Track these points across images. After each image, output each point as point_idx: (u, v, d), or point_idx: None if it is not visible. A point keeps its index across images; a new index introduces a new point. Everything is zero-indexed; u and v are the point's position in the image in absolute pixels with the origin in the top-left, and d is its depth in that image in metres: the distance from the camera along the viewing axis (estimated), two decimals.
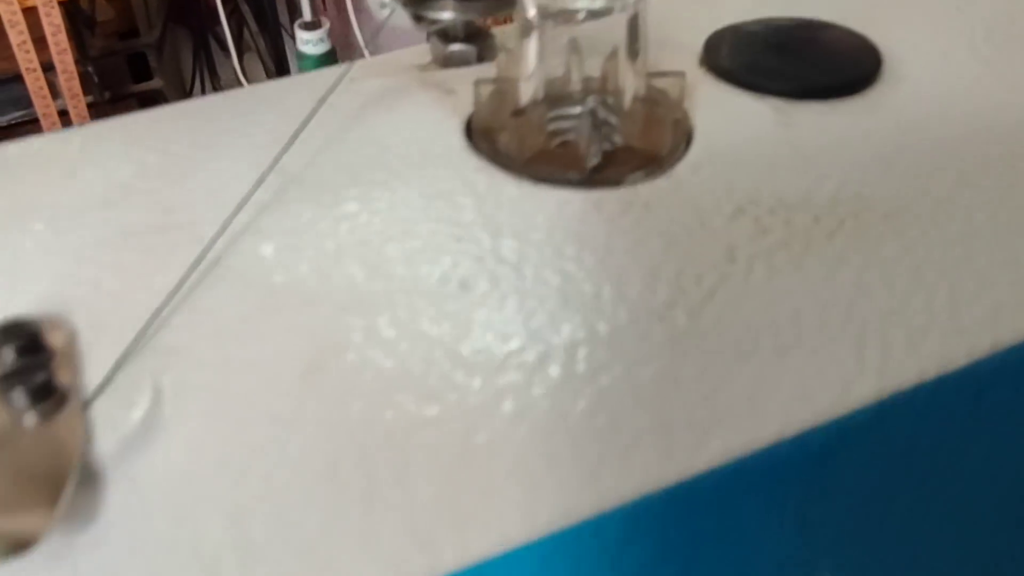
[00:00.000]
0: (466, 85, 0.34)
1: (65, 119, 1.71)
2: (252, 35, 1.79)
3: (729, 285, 0.27)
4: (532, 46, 0.30)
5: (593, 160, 0.29)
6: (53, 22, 1.62)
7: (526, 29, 0.29)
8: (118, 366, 0.23)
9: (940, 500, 0.27)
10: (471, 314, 0.25)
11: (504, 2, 0.34)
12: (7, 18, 1.59)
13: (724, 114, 0.32)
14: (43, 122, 1.69)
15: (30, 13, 1.58)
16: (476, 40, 0.36)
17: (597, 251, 0.27)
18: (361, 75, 0.35)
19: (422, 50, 0.37)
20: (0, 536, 0.19)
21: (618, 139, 0.30)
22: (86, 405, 0.22)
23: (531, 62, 0.30)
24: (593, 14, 0.28)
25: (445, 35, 0.36)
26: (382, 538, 0.21)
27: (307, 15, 0.80)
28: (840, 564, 0.25)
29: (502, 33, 0.36)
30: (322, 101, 0.31)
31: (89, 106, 1.77)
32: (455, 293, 0.26)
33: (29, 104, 1.74)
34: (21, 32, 1.57)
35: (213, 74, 2.13)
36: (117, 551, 0.20)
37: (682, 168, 0.30)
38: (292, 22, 1.65)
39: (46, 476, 0.21)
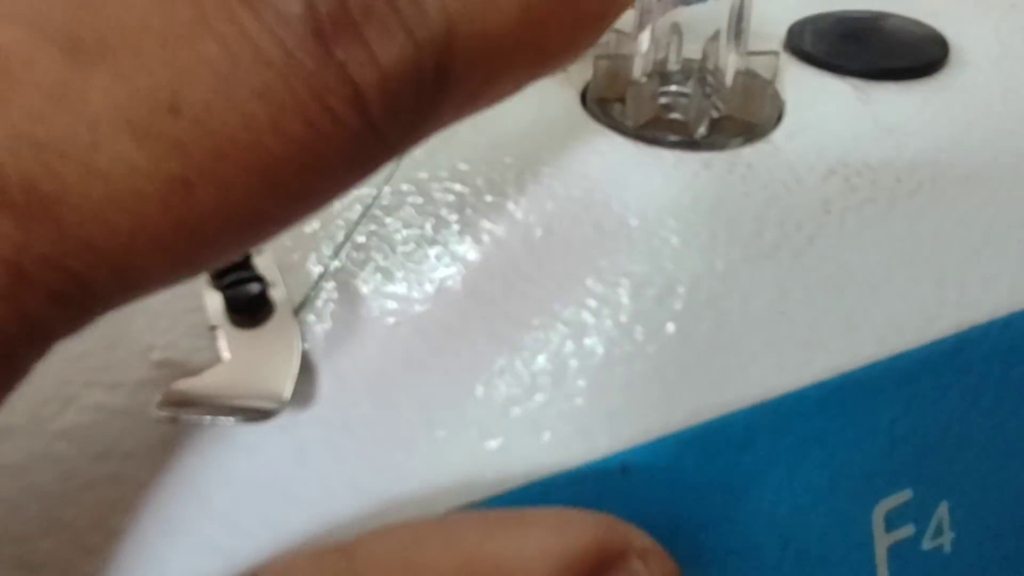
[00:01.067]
0: (576, 63, 0.38)
1: None
2: None
3: (826, 232, 0.31)
4: (647, 25, 0.34)
5: (700, 128, 0.33)
6: None
7: (644, 10, 0.34)
8: (320, 278, 0.27)
9: (1012, 427, 0.30)
10: (605, 252, 0.29)
11: None
12: None
13: (810, 91, 0.36)
14: None
15: None
16: None
17: (709, 201, 0.31)
18: None
19: None
20: (243, 409, 0.23)
21: (719, 110, 0.34)
22: (296, 311, 0.26)
23: (645, 41, 0.34)
24: None
25: None
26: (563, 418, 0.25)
27: None
28: (921, 478, 0.29)
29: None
30: None
31: None
32: (589, 234, 0.30)
33: None
34: None
35: None
36: (332, 428, 0.24)
37: (778, 135, 0.34)
38: None
39: (272, 366, 0.25)
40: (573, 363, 0.26)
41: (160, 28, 0.14)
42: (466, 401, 0.25)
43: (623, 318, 0.28)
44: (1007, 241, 0.31)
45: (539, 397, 0.26)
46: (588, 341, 0.27)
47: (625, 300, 0.28)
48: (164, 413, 0.22)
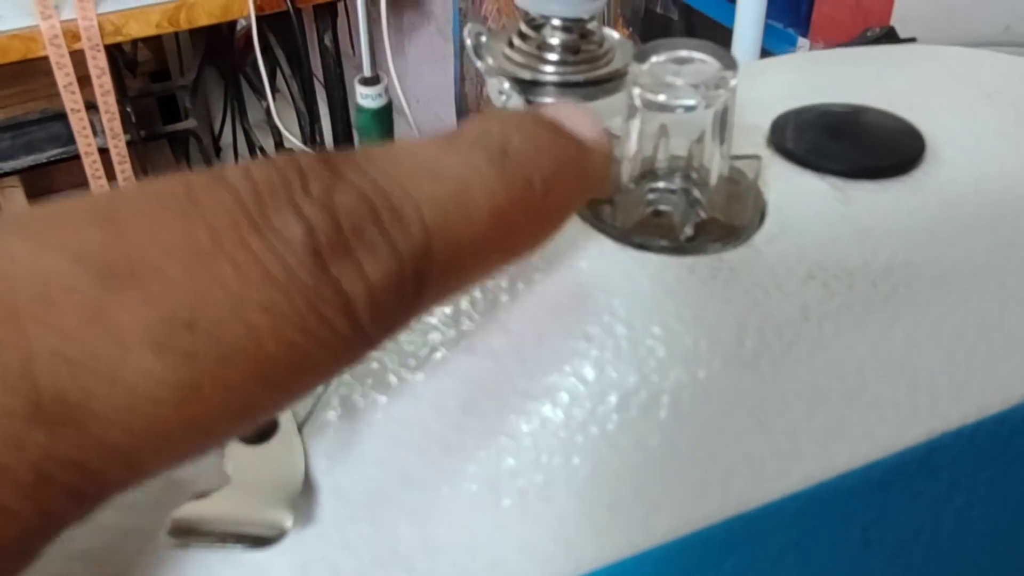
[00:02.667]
0: None
1: (105, 156, 1.78)
2: (285, 79, 1.86)
3: (804, 339, 0.32)
4: (635, 133, 0.35)
5: (686, 232, 0.35)
6: (99, 65, 1.68)
7: (631, 116, 0.35)
8: (321, 395, 0.29)
9: (982, 527, 0.32)
10: (594, 364, 0.31)
11: (602, 90, 0.40)
12: (55, 60, 1.65)
13: (791, 191, 0.38)
14: (84, 160, 1.75)
15: (75, 53, 1.64)
16: None
17: (693, 308, 0.33)
18: None
19: None
20: (247, 536, 0.24)
21: (704, 213, 0.36)
22: (300, 428, 0.28)
23: (633, 145, 0.36)
24: (688, 108, 0.34)
25: None
26: (533, 543, 0.26)
27: (367, 71, 0.86)
28: None
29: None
30: None
31: (126, 145, 1.83)
32: (581, 343, 0.31)
33: (69, 141, 1.81)
34: (68, 74, 1.64)
35: (243, 115, 2.20)
36: (333, 547, 0.26)
37: (759, 238, 0.36)
38: (336, 57, 1.71)
39: (275, 487, 0.26)
40: (561, 477, 0.28)
41: (182, 255, 0.16)
42: (461, 518, 0.27)
43: (610, 428, 0.29)
44: (976, 345, 0.32)
45: (530, 511, 0.27)
46: (576, 458, 0.28)
47: (613, 413, 0.29)
48: (174, 540, 0.24)
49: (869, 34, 0.65)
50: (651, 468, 0.28)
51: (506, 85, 0.39)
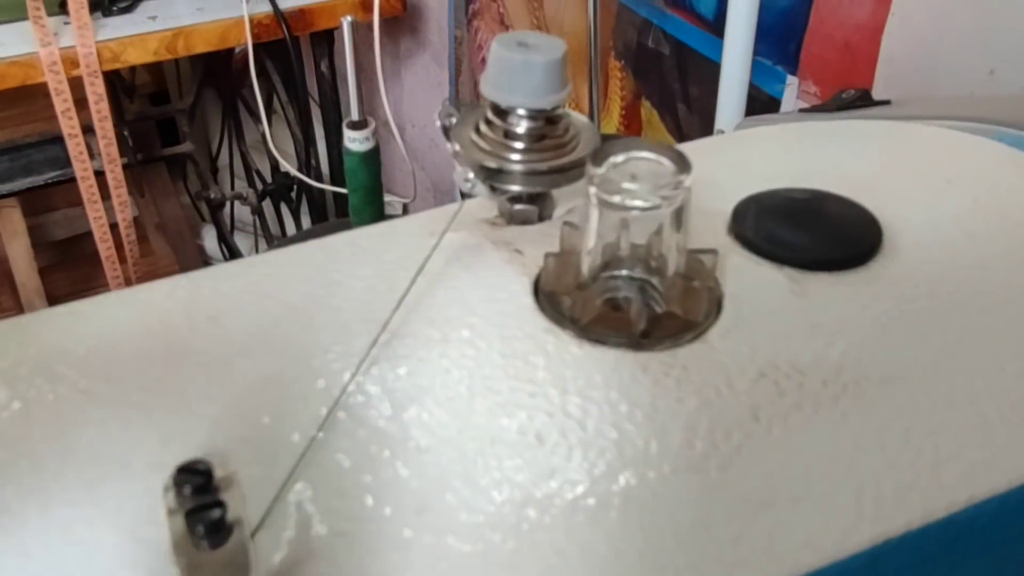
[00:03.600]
0: (530, 245, 0.41)
1: (101, 179, 1.79)
2: (282, 104, 1.87)
3: (753, 441, 0.33)
4: (593, 227, 0.36)
5: (641, 327, 0.36)
6: (96, 91, 1.69)
7: (589, 213, 0.36)
8: (274, 503, 0.29)
9: None
10: (546, 463, 0.31)
11: (564, 177, 0.41)
12: (53, 86, 1.67)
13: (748, 283, 0.39)
14: (81, 184, 1.76)
15: (73, 78, 1.65)
16: (537, 200, 0.43)
17: (644, 408, 0.33)
18: (437, 228, 0.41)
19: (490, 203, 0.43)
20: None
21: (661, 306, 0.37)
22: (252, 534, 0.28)
23: (591, 239, 0.36)
24: (644, 209, 0.35)
25: (512, 196, 0.42)
26: None
27: (355, 114, 0.87)
28: None
29: (564, 194, 0.43)
30: (424, 263, 0.37)
31: (123, 167, 1.84)
32: (532, 444, 0.32)
33: (67, 164, 1.82)
34: (65, 100, 1.65)
35: (240, 139, 2.21)
36: None
37: (713, 333, 0.36)
38: (332, 96, 1.72)
39: None
40: None
41: None
42: None
43: (560, 534, 0.30)
44: (923, 447, 0.33)
45: None
46: (524, 567, 0.29)
47: (560, 519, 0.30)
48: None
49: (844, 96, 0.66)
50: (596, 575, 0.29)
51: (470, 174, 0.40)
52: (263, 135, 1.82)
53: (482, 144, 0.41)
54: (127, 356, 0.36)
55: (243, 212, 2.07)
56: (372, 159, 0.87)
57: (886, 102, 0.65)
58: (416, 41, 1.88)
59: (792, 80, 1.27)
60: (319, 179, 1.80)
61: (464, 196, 0.42)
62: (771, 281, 0.39)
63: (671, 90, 1.38)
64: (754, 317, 0.37)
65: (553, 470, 0.31)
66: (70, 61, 1.59)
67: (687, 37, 1.40)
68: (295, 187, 1.90)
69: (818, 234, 0.41)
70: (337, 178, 1.76)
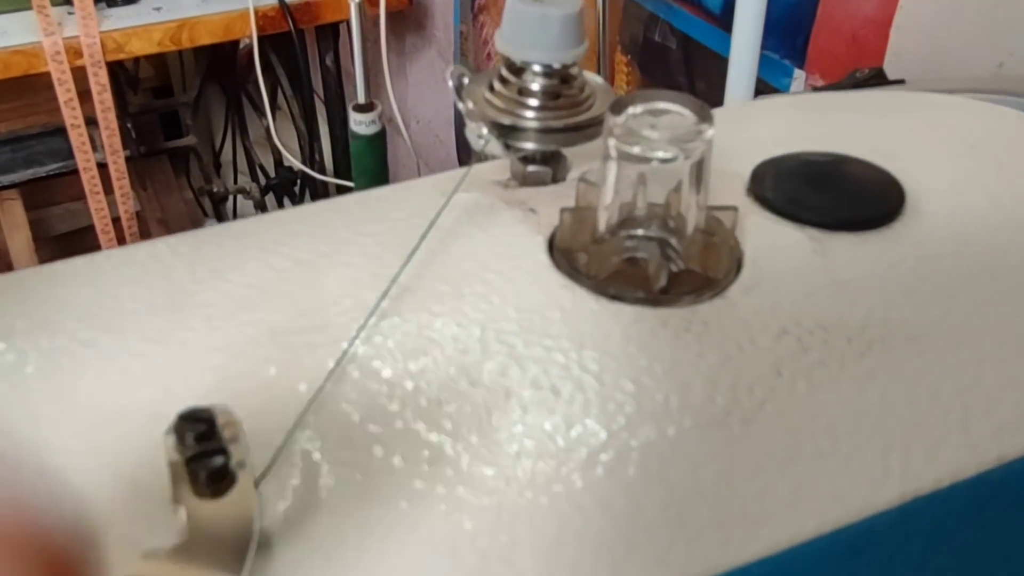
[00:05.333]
0: (544, 205, 0.40)
1: (104, 171, 1.78)
2: (286, 98, 1.86)
3: (776, 397, 0.32)
4: (611, 182, 0.35)
5: (661, 283, 0.35)
6: (100, 81, 1.68)
7: (607, 166, 0.35)
8: (279, 452, 0.28)
9: None
10: (563, 419, 0.30)
11: (580, 135, 0.40)
12: (56, 76, 1.66)
13: (768, 242, 0.38)
14: (83, 176, 1.75)
15: (76, 69, 1.64)
16: (551, 162, 0.42)
17: (664, 363, 0.32)
18: (448, 188, 0.40)
19: (501, 165, 0.42)
20: None
21: (680, 263, 0.35)
22: (256, 483, 0.27)
23: (609, 194, 0.35)
24: (664, 160, 0.34)
25: (524, 157, 0.41)
26: None
27: (361, 98, 0.86)
28: None
29: (578, 157, 0.42)
30: (436, 217, 0.36)
31: (125, 160, 1.83)
32: (548, 397, 0.31)
33: (69, 156, 1.81)
34: (68, 90, 1.64)
35: (244, 133, 2.20)
36: None
37: (734, 290, 0.35)
38: (336, 79, 1.71)
39: (229, 544, 0.26)
40: (523, 538, 0.27)
41: None
42: None
43: (576, 487, 0.29)
44: (951, 405, 0.32)
45: (490, 574, 0.26)
46: (540, 519, 0.28)
47: (579, 472, 0.29)
48: None
49: (858, 75, 0.65)
50: (616, 531, 0.28)
51: (484, 130, 0.39)
52: (267, 129, 1.81)
53: (496, 101, 0.40)
54: (129, 308, 0.34)
55: (246, 207, 2.06)
56: (378, 143, 0.85)
57: (901, 81, 0.64)
58: (421, 36, 1.87)
59: (799, 74, 1.26)
60: (323, 172, 1.79)
61: (475, 159, 0.41)
62: (792, 241, 0.38)
63: (678, 84, 1.37)
64: (776, 275, 0.36)
65: (570, 423, 0.30)
66: (73, 51, 1.58)
67: (694, 31, 1.39)
68: (298, 181, 1.89)
69: (839, 195, 0.40)
70: (341, 171, 1.75)
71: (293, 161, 1.75)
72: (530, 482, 0.29)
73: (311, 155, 1.81)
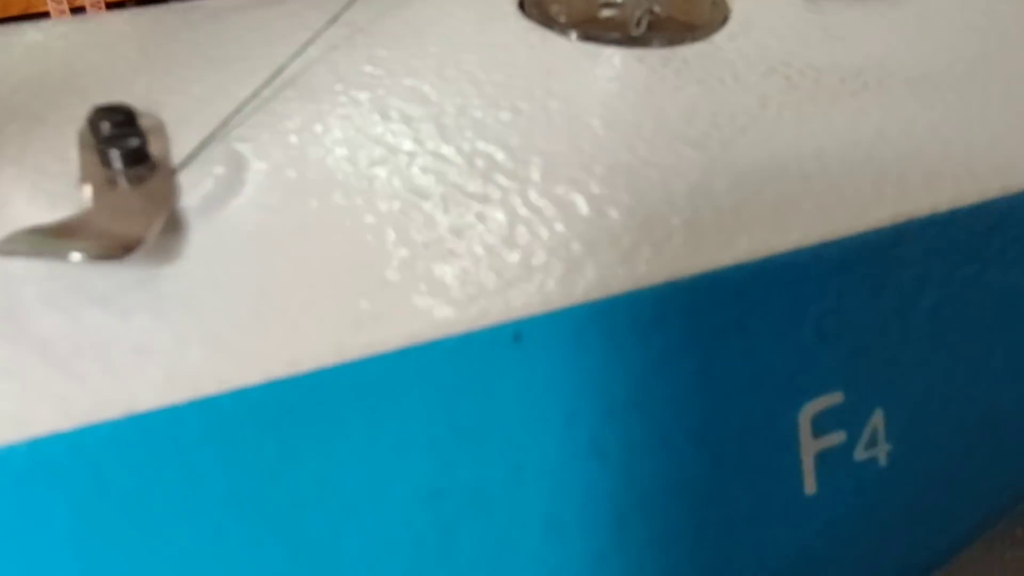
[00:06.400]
0: None
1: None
2: None
3: (760, 125, 0.29)
4: None
5: (640, 26, 0.32)
6: None
7: None
8: (204, 144, 0.26)
9: (956, 332, 0.28)
10: (529, 138, 0.27)
11: None
12: None
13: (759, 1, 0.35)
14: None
15: None
16: None
17: (639, 92, 0.29)
18: None
19: None
20: (108, 237, 0.21)
21: (660, 9, 0.33)
22: (175, 171, 0.25)
23: None
24: None
25: None
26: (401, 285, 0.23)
27: None
28: (853, 380, 0.27)
29: None
30: None
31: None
32: (512, 121, 0.28)
33: None
34: None
35: None
36: (196, 284, 0.22)
37: (720, 36, 0.32)
38: None
39: (138, 218, 0.23)
40: (472, 235, 0.24)
41: None
42: (347, 264, 0.23)
43: (532, 193, 0.26)
44: (953, 140, 0.29)
45: (423, 257, 0.24)
46: (490, 209, 0.25)
47: (535, 176, 0.26)
48: (4, 249, 0.21)
49: None
50: (576, 229, 0.25)
51: None
52: None
53: None
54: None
55: None
56: None
57: None
58: None
59: None
60: None
61: None
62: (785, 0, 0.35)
63: None
64: (766, 24, 0.33)
65: (527, 136, 0.27)
66: None
67: None
68: None
69: None
70: None
71: None
72: (480, 194, 0.26)
73: None
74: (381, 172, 0.26)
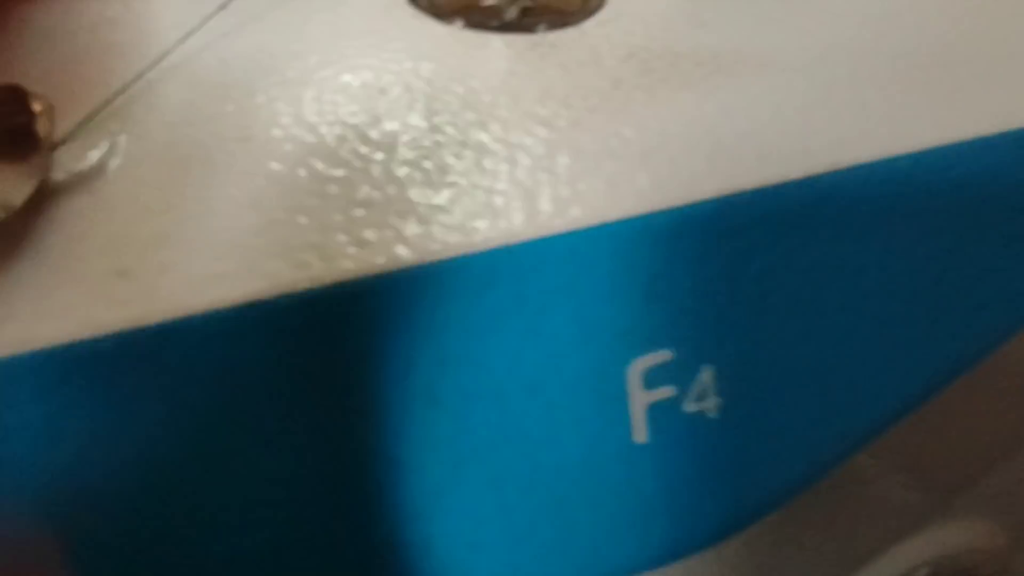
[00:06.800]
0: None
1: None
2: None
3: (609, 105, 0.31)
4: None
5: (511, 14, 0.34)
6: None
7: None
8: (83, 123, 0.28)
9: (782, 297, 0.31)
10: (385, 110, 0.30)
11: None
12: None
13: None
14: None
15: None
16: None
17: (500, 74, 0.32)
18: None
19: None
20: None
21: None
22: (54, 147, 0.27)
23: None
24: None
25: None
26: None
27: None
28: (682, 340, 0.29)
29: None
30: None
31: None
32: (373, 95, 0.31)
33: None
34: None
35: None
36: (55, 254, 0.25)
37: (590, 23, 0.35)
38: None
39: (13, 188, 0.26)
40: (297, 188, 0.27)
41: None
42: (203, 232, 0.26)
43: (374, 173, 0.28)
44: (791, 120, 0.31)
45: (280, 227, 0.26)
46: (318, 163, 0.27)
47: (392, 156, 0.29)
48: None
49: None
50: (400, 195, 0.27)
51: None
52: None
53: None
54: None
55: None
56: None
57: None
58: None
59: None
60: None
61: None
62: None
63: None
64: (636, 13, 0.35)
65: (392, 116, 0.30)
66: None
67: None
68: None
69: None
70: None
71: None
72: (345, 162, 0.28)
73: None
74: (240, 148, 0.28)
